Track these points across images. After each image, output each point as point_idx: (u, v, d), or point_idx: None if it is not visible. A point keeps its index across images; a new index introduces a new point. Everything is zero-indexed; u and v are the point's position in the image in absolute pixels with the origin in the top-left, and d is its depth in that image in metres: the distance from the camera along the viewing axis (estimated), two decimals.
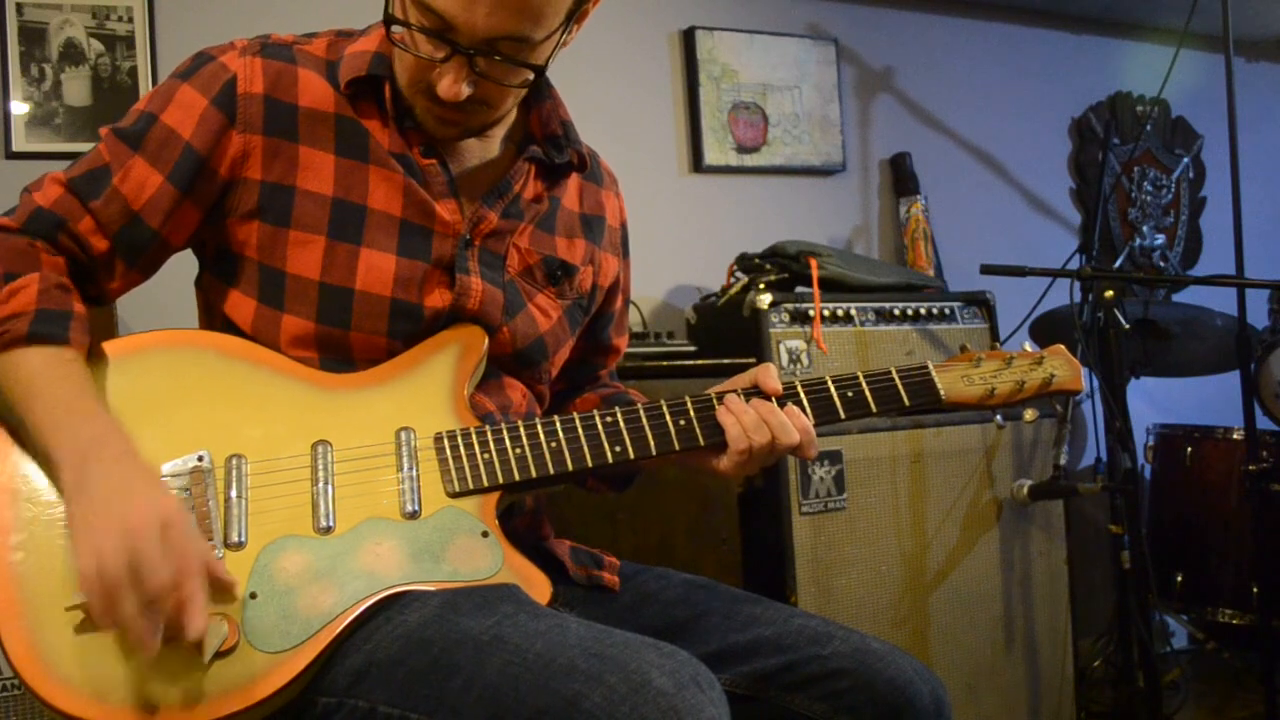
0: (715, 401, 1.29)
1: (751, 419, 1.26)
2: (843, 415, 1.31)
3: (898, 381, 1.33)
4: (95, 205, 1.23)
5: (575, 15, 1.22)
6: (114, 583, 1.01)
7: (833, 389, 1.31)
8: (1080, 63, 3.83)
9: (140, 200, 1.23)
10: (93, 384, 1.16)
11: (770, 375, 1.30)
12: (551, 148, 1.38)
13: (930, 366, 1.36)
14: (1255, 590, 2.92)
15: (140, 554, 1.02)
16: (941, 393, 1.35)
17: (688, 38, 3.15)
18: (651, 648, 1.02)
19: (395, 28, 1.21)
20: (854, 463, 2.52)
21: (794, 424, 1.27)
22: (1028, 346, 1.42)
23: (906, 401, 1.33)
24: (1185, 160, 4.01)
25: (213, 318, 1.34)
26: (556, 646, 1.02)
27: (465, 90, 1.20)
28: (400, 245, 1.28)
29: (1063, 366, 1.40)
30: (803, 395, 1.31)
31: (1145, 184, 3.94)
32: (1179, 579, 3.15)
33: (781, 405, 1.28)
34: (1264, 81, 4.17)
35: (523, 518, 1.36)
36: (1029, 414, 1.52)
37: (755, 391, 1.30)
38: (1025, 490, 2.65)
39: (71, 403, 1.12)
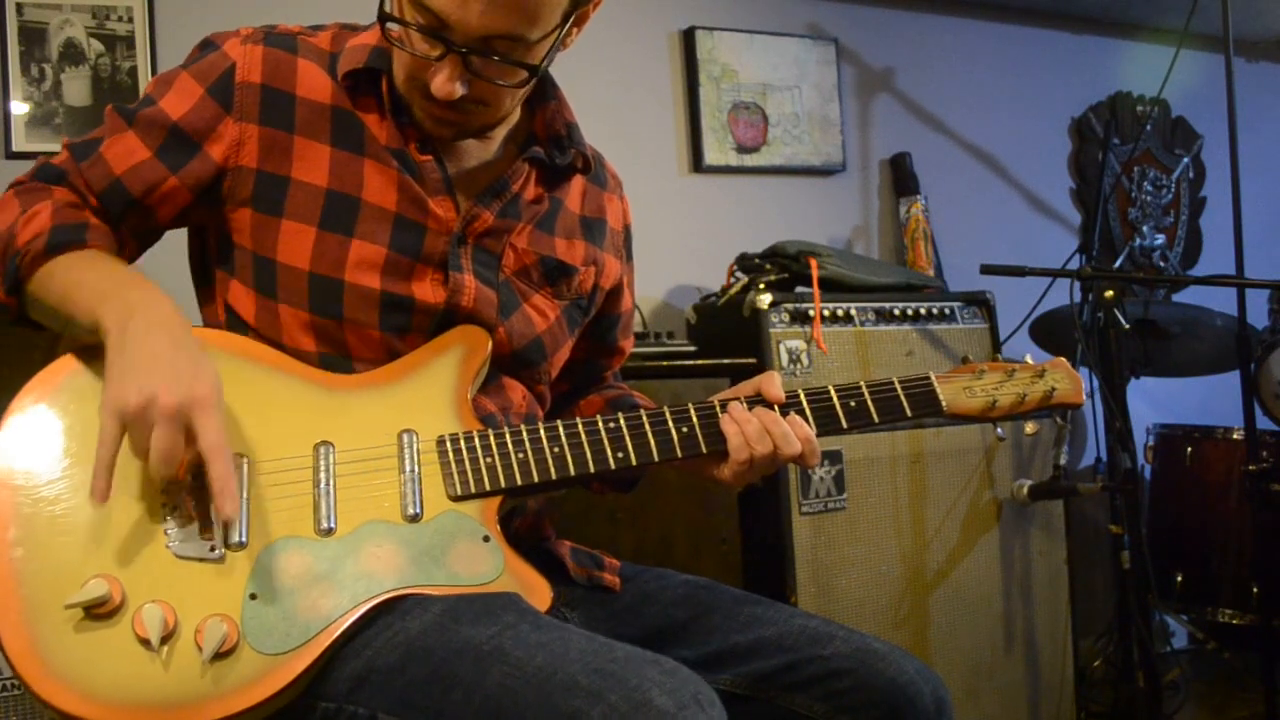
0: (719, 409, 1.29)
1: (754, 429, 1.27)
2: (845, 425, 1.32)
3: (900, 392, 1.34)
4: (84, 166, 1.27)
5: (573, 17, 1.22)
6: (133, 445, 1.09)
7: (835, 398, 1.32)
8: (1080, 63, 3.83)
9: (122, 167, 1.26)
10: (122, 265, 1.22)
11: (774, 384, 1.31)
12: (554, 149, 1.38)
13: (933, 377, 1.36)
14: (1255, 590, 2.92)
15: (159, 434, 1.07)
16: (943, 404, 1.35)
17: (688, 38, 3.15)
18: (653, 664, 1.01)
19: (391, 25, 1.20)
20: (854, 463, 2.52)
21: (796, 434, 1.27)
22: (1029, 359, 1.43)
23: (909, 412, 1.34)
24: (1185, 160, 4.01)
25: (215, 310, 1.34)
26: (558, 660, 1.01)
27: (459, 89, 1.19)
28: (392, 239, 1.27)
29: (1064, 380, 1.41)
30: (805, 404, 1.31)
31: (1145, 184, 3.94)
32: (1179, 579, 3.15)
33: (784, 414, 1.29)
34: (1264, 81, 4.17)
35: (524, 519, 1.36)
36: (1030, 427, 1.54)
37: (758, 399, 1.30)
38: (1025, 490, 2.66)
39: (103, 280, 1.18)
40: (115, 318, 1.13)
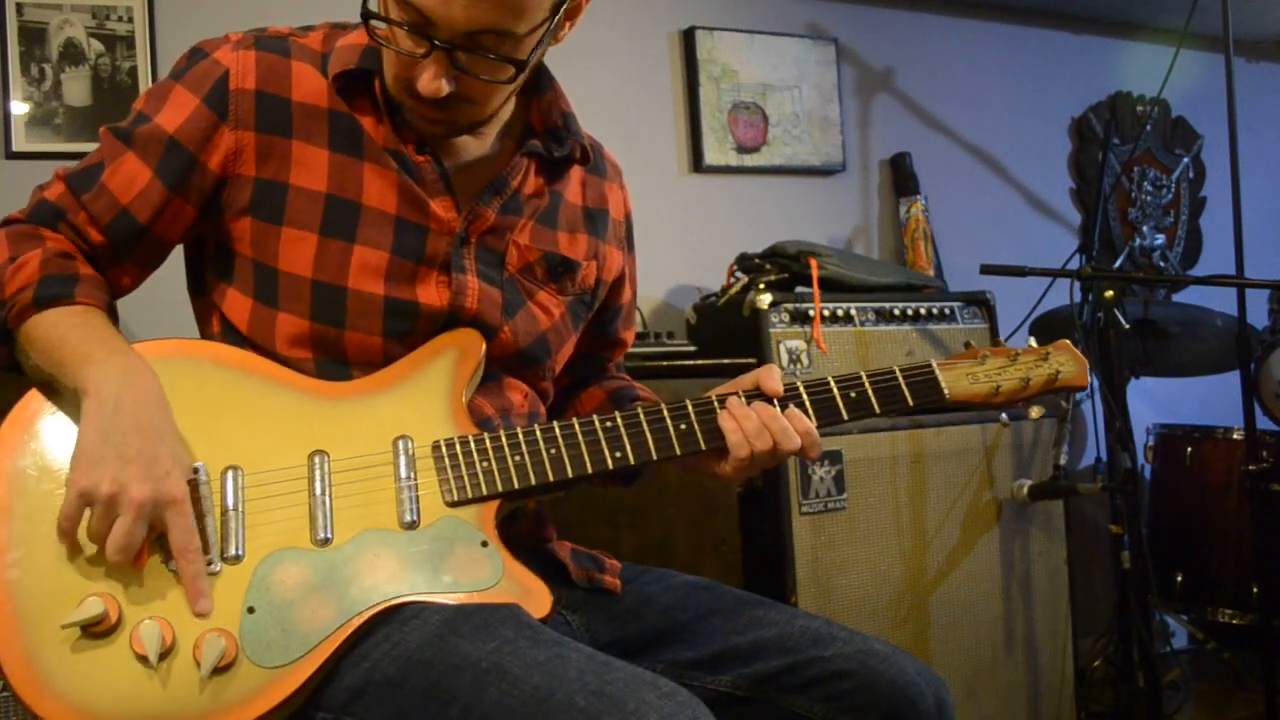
0: (717, 405, 1.28)
1: (753, 425, 1.25)
2: (846, 416, 1.30)
3: (901, 381, 1.32)
4: (86, 199, 1.26)
5: (563, 9, 1.20)
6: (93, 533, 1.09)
7: (835, 390, 1.30)
8: (1080, 63, 3.83)
9: (128, 195, 1.25)
10: (109, 327, 1.20)
11: (772, 377, 1.29)
12: (552, 141, 1.36)
13: (934, 365, 1.33)
14: (1255, 590, 2.92)
15: (122, 526, 1.07)
16: (946, 391, 1.33)
17: (688, 38, 3.15)
18: (651, 687, 1.01)
19: (377, 24, 1.19)
20: (854, 463, 2.52)
21: (796, 427, 1.26)
22: (1032, 342, 1.39)
23: (910, 401, 1.31)
24: (1185, 160, 4.01)
25: (210, 320, 1.33)
26: (555, 680, 1.01)
27: (445, 87, 1.17)
28: (394, 243, 1.27)
29: (1068, 362, 1.37)
30: (805, 397, 1.29)
31: (1145, 184, 3.94)
32: (1179, 579, 3.16)
33: (783, 407, 1.28)
34: (1264, 81, 4.17)
35: (526, 521, 1.36)
36: (1035, 411, 1.50)
37: (757, 393, 1.29)
38: (1025, 490, 2.65)
39: (86, 342, 1.16)
40: (96, 383, 1.12)
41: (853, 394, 1.30)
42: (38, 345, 1.18)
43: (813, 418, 1.28)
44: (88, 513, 1.09)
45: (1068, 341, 1.40)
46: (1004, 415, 2.65)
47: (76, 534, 1.09)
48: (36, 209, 1.28)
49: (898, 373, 1.32)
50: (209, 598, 1.09)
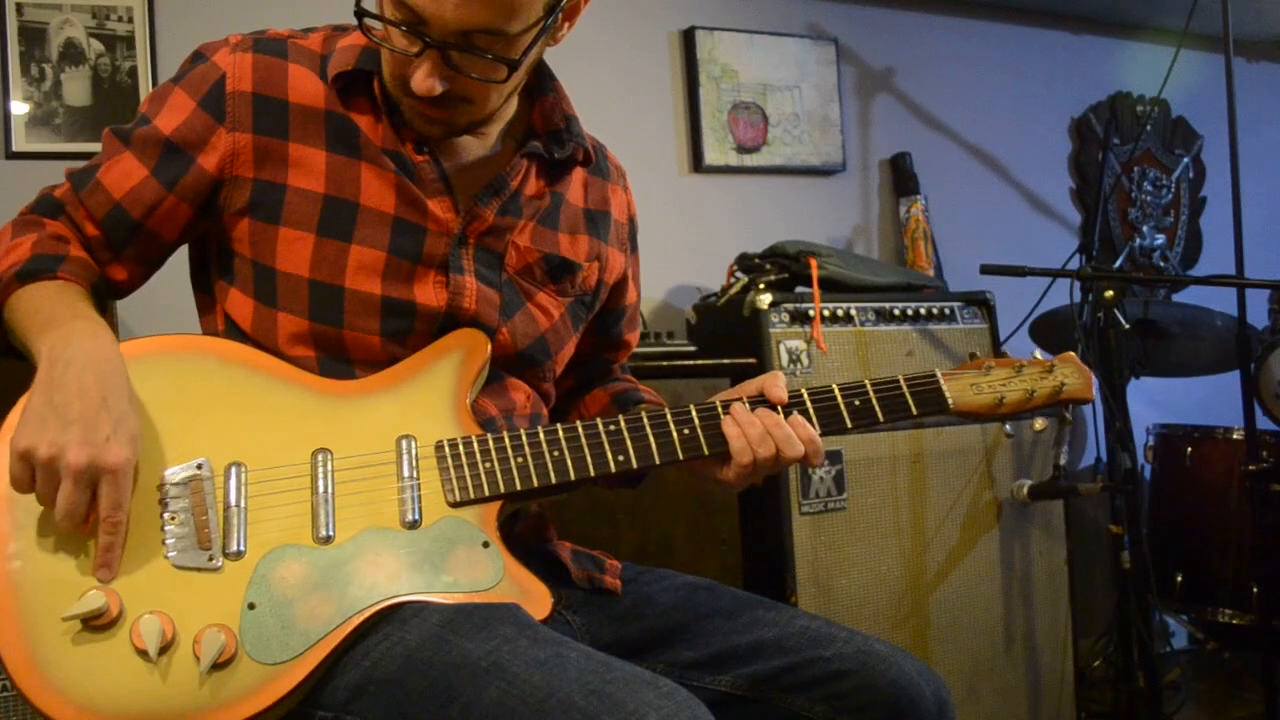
0: (720, 410, 1.28)
1: (757, 432, 1.26)
2: (849, 425, 1.30)
3: (905, 390, 1.32)
4: (83, 194, 1.29)
5: (560, 10, 1.20)
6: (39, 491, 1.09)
7: (839, 398, 1.30)
8: (1080, 63, 3.83)
9: (121, 191, 1.27)
10: (83, 299, 1.22)
11: (777, 384, 1.29)
12: (553, 142, 1.37)
13: (939, 375, 1.34)
14: (1255, 590, 2.92)
15: (64, 492, 1.07)
16: (950, 401, 1.33)
17: (688, 38, 3.15)
18: (650, 686, 1.01)
19: (372, 23, 1.19)
20: (854, 463, 2.52)
21: (799, 435, 1.26)
22: (1038, 354, 1.40)
23: (914, 411, 1.32)
24: (1185, 160, 4.01)
25: (214, 319, 1.34)
26: (555, 679, 1.01)
27: (438, 86, 1.18)
28: (392, 243, 1.27)
29: (1073, 375, 1.38)
30: (809, 405, 1.30)
31: (1145, 184, 3.94)
32: (1179, 579, 3.15)
33: (787, 414, 1.28)
34: (1264, 81, 4.17)
35: (526, 521, 1.36)
36: (1039, 423, 1.50)
37: (761, 400, 1.29)
38: (1025, 490, 2.65)
39: (55, 311, 1.17)
40: (51, 347, 1.12)
41: (857, 402, 1.31)
42: (16, 318, 1.20)
43: (816, 425, 1.29)
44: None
45: (1073, 354, 1.40)
46: (1007, 427, 2.65)
47: (29, 494, 1.09)
48: (41, 201, 1.31)
49: (902, 382, 1.33)
50: (112, 569, 1.09)
